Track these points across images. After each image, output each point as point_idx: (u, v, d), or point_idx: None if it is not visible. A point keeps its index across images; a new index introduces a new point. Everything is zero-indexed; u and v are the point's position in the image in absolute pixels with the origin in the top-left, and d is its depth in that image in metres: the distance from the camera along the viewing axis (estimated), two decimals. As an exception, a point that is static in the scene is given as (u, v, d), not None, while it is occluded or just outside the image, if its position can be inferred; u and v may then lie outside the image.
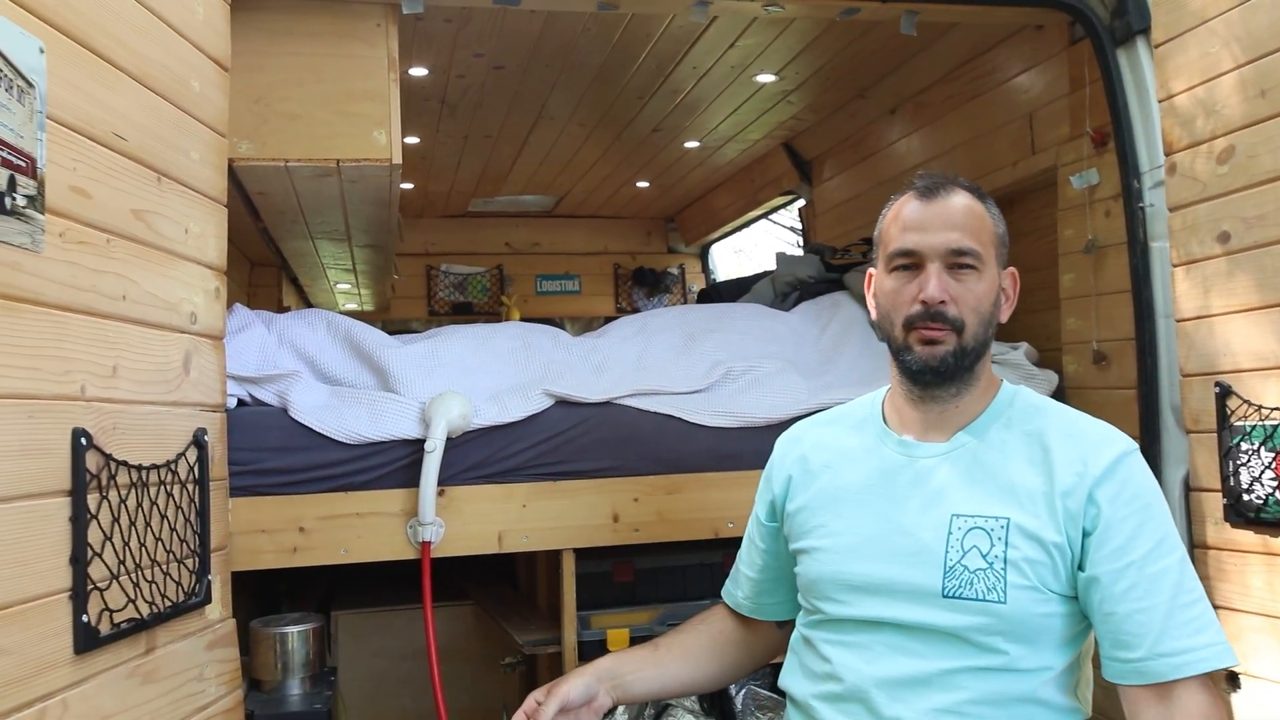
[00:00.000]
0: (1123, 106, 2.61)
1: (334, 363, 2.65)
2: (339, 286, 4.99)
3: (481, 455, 2.53)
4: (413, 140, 4.43)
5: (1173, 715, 1.41)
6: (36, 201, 1.37)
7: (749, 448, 2.68)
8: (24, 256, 1.34)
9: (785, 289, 3.34)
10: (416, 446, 2.47)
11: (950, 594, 1.47)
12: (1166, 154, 2.33)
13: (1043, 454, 1.51)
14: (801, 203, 4.84)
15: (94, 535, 1.44)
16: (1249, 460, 2.09)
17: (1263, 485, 2.06)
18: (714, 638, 1.91)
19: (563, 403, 2.60)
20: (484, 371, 2.67)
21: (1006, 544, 1.46)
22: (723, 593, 1.98)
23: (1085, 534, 1.47)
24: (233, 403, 2.47)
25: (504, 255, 6.31)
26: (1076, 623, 1.52)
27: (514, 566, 3.53)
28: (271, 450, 2.43)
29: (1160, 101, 2.35)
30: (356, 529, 2.46)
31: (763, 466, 2.75)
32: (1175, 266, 2.32)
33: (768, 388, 2.73)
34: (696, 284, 6.46)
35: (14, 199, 1.33)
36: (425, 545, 2.46)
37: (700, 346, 2.86)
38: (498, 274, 6.28)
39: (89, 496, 1.44)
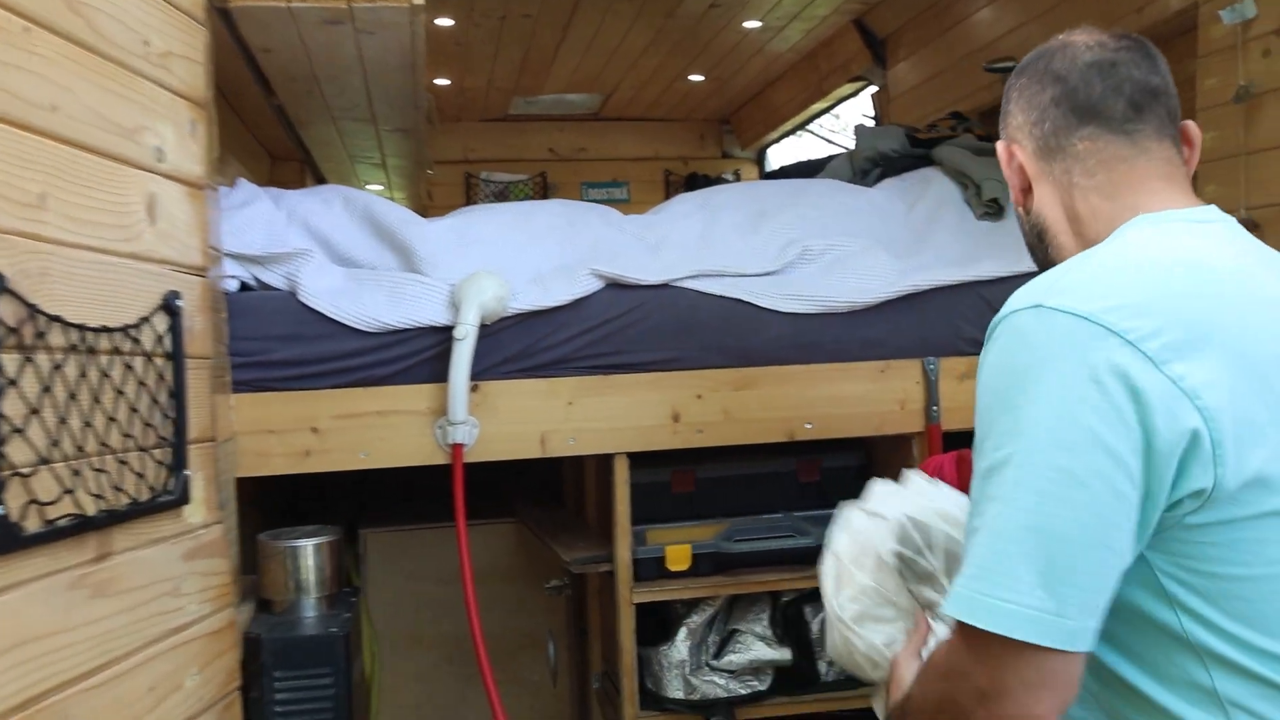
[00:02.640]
0: (1288, -81, 2.15)
1: (351, 242, 2.31)
2: (370, 188, 4.65)
3: (520, 345, 2.19)
4: (446, 22, 4.04)
5: None
6: (-91, -45, 1.02)
7: (829, 337, 2.31)
8: (-109, 26, 0.99)
9: (865, 165, 2.93)
10: (445, 334, 2.13)
11: None
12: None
13: None
14: (873, 90, 4.39)
15: (12, 406, 1.11)
16: None
17: None
18: None
19: (614, 285, 2.24)
20: (522, 251, 2.31)
21: None
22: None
23: None
24: (234, 285, 2.15)
25: (547, 161, 5.93)
26: None
27: (559, 483, 3.21)
28: (279, 339, 2.11)
29: (1350, -103, 1.89)
30: (378, 429, 2.14)
31: (845, 358, 2.39)
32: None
33: (851, 268, 2.34)
34: (753, 191, 6.04)
35: None
36: (457, 448, 2.14)
37: (772, 224, 2.47)
38: (541, 181, 5.90)
39: (4, 355, 1.10)
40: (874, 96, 4.37)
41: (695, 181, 5.89)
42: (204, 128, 1.63)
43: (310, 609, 2.05)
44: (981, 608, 0.94)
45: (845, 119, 10.55)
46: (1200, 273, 1.01)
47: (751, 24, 4.24)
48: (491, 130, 5.84)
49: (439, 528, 2.90)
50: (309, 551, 2.05)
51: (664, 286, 2.26)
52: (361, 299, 2.14)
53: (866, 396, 2.32)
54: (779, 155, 6.13)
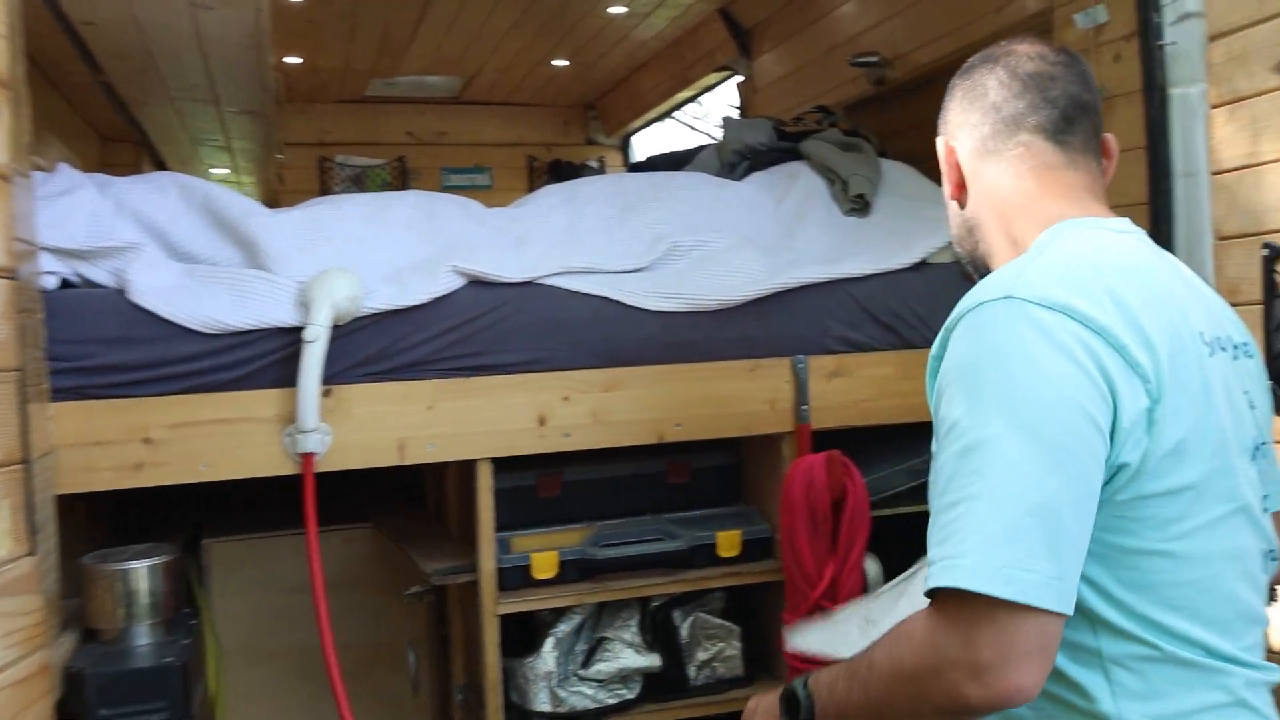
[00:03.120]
0: (1141, -74, 2.19)
1: (189, 234, 2.13)
2: (215, 172, 4.39)
3: (377, 347, 2.06)
4: (295, -4, 3.82)
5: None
6: None
7: (700, 336, 2.26)
8: None
9: (733, 158, 2.89)
10: (294, 336, 2.00)
11: None
12: (1209, -31, 1.93)
13: None
14: (738, 79, 4.37)
15: None
16: (1313, 336, 1.73)
17: (1329, 365, 1.71)
18: None
19: (477, 282, 2.14)
20: (378, 245, 2.18)
21: None
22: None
23: None
24: (53, 282, 1.96)
25: (406, 146, 5.73)
26: None
27: (420, 486, 3.08)
28: (106, 342, 1.94)
29: (1201, -94, 1.93)
30: (219, 439, 1.98)
31: (716, 357, 2.35)
32: (1215, 108, 1.94)
33: (721, 265, 2.30)
34: (618, 178, 5.97)
35: None
36: (307, 458, 2.00)
37: (639, 218, 2.40)
38: (399, 166, 5.69)
39: None
40: (739, 87, 4.35)
41: (559, 168, 5.80)
42: (10, 109, 1.45)
43: (144, 637, 1.88)
44: (999, 578, 0.94)
45: (709, 107, 10.57)
46: (1130, 274, 1.09)
47: (617, 9, 4.16)
48: (347, 112, 5.60)
49: (289, 535, 2.74)
50: (142, 574, 1.88)
51: (529, 284, 2.17)
52: (200, 298, 1.98)
53: (736, 396, 2.28)
54: (644, 143, 6.09)
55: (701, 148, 3.17)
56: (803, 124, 3.04)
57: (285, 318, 1.99)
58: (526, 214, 2.37)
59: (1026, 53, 1.20)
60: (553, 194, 2.54)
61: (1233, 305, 1.91)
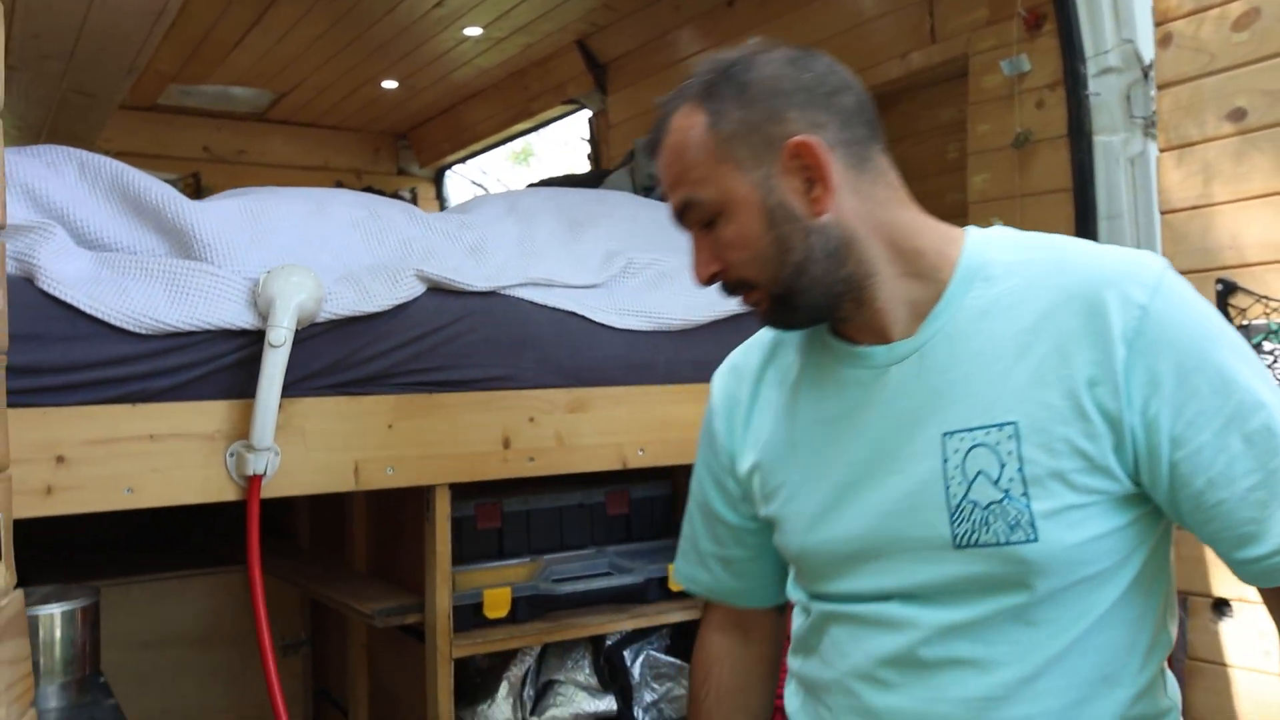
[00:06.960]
0: (1066, -16, 2.36)
1: (98, 219, 1.81)
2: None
3: (334, 356, 1.82)
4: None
5: None
6: None
7: (662, 357, 2.16)
8: None
9: (648, 181, 2.82)
10: (240, 341, 1.74)
11: (964, 542, 1.07)
12: (1158, 23, 2.08)
13: (1045, 320, 1.07)
14: (589, 114, 4.32)
15: None
16: (1274, 363, 1.88)
17: (1291, 389, 1.85)
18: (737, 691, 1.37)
19: (437, 290, 1.94)
20: (326, 245, 1.93)
21: (1021, 459, 1.05)
22: (687, 583, 1.44)
23: (1132, 415, 1.03)
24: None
25: (202, 162, 5.25)
26: (1145, 530, 1.10)
27: (277, 512, 2.73)
28: (10, 340, 1.58)
29: (1151, -35, 2.10)
30: (149, 458, 1.67)
31: (677, 380, 2.25)
32: (1163, 152, 2.08)
33: (678, 284, 2.21)
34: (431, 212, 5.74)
35: None
36: (254, 481, 1.72)
37: (589, 234, 2.28)
38: (194, 184, 5.19)
39: None
40: (592, 121, 4.30)
41: (372, 197, 5.51)
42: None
43: (54, 698, 1.54)
44: None
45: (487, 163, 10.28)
46: None
47: (472, 30, 4.01)
48: (135, 120, 5.02)
49: (160, 579, 2.39)
50: (57, 621, 1.54)
51: (493, 294, 1.99)
52: (128, 292, 1.67)
53: (696, 422, 2.18)
54: (456, 179, 5.89)
55: (606, 172, 3.08)
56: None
57: (235, 319, 1.72)
58: (478, 221, 2.18)
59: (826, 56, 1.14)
60: (493, 202, 2.37)
61: (1181, 335, 2.07)
